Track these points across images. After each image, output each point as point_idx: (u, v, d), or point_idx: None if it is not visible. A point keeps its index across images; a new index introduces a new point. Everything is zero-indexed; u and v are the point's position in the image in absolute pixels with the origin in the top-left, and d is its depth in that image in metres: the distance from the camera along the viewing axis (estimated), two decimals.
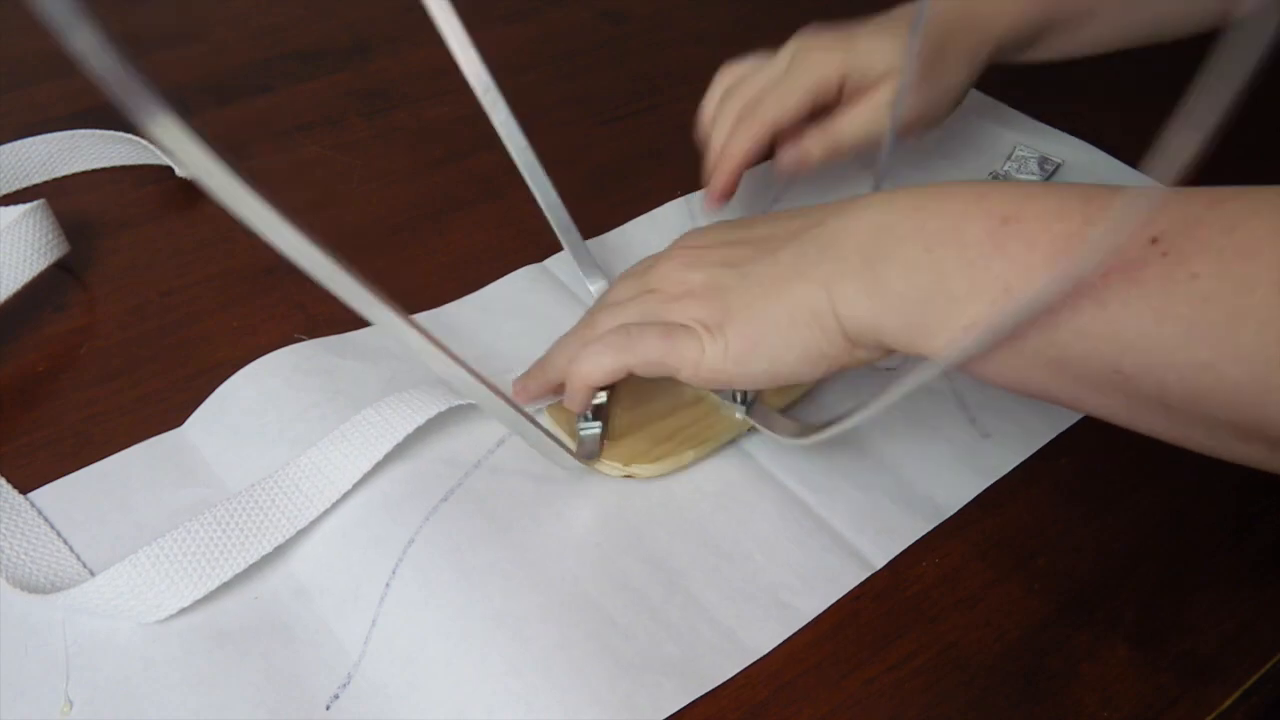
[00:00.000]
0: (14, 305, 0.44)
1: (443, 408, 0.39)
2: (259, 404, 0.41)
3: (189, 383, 0.43)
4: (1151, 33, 0.51)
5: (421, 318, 0.46)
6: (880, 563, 0.38)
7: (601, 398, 0.42)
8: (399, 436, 0.38)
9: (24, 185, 0.52)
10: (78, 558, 0.36)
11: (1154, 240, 0.27)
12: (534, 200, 0.54)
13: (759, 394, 0.42)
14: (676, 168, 0.57)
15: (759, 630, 0.36)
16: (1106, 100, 0.64)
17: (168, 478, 0.39)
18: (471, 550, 0.37)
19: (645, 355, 0.36)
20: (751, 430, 0.42)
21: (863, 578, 0.38)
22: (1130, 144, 0.58)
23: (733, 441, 0.42)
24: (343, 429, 0.38)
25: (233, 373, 0.43)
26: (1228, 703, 0.36)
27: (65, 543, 0.37)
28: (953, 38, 0.47)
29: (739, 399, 0.41)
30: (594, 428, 0.41)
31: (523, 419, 0.35)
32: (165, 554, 0.35)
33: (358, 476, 0.38)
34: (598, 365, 0.37)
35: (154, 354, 0.44)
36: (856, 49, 0.46)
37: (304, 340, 0.44)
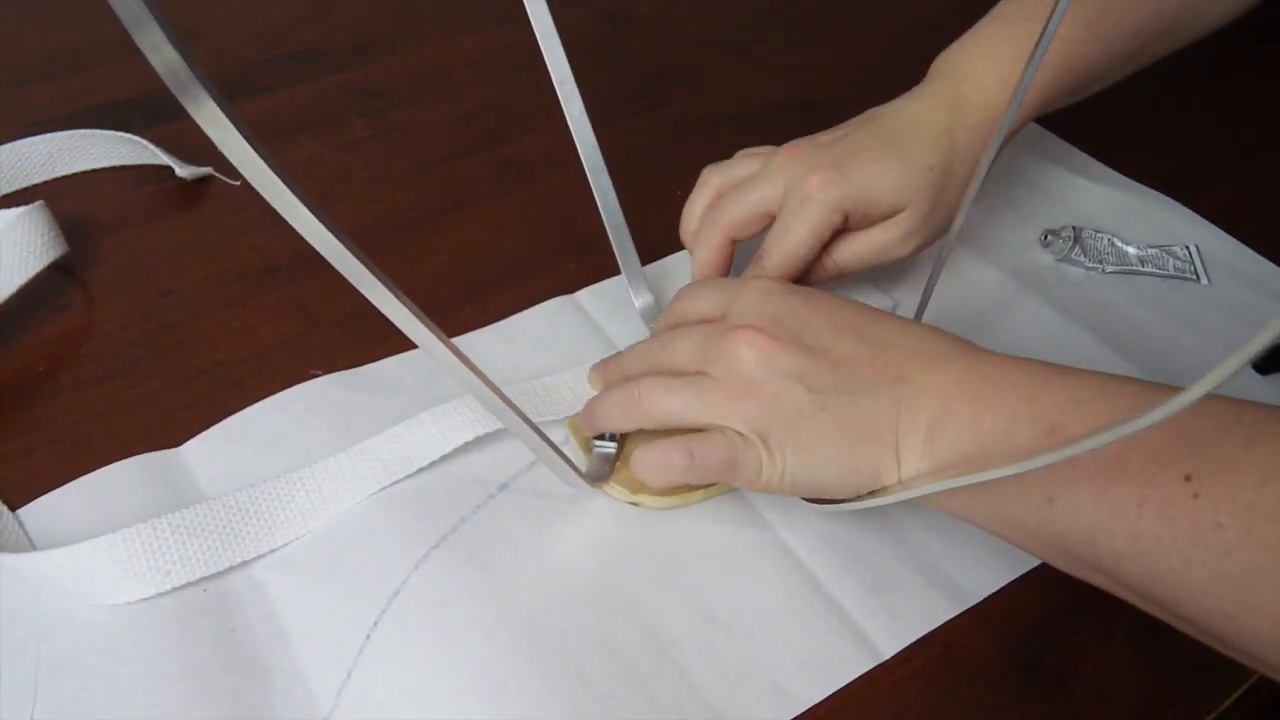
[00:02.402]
0: (13, 305, 0.44)
1: (440, 454, 0.40)
2: (266, 441, 0.41)
3: (189, 383, 0.43)
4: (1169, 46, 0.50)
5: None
6: (889, 652, 0.36)
7: None
8: (391, 479, 0.39)
9: (24, 185, 0.52)
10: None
11: (1187, 478, 0.28)
12: (534, 200, 0.54)
13: None
14: (676, 168, 0.57)
15: (747, 715, 0.34)
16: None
17: (156, 497, 0.38)
18: (457, 603, 0.36)
19: (707, 473, 0.35)
20: None
21: (868, 667, 0.35)
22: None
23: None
24: (335, 461, 0.39)
25: (233, 373, 0.43)
26: (1228, 703, 0.36)
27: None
28: (957, 155, 0.44)
29: None
30: (609, 448, 0.40)
31: (536, 435, 0.34)
32: (125, 542, 0.35)
33: (340, 508, 0.38)
34: (662, 474, 0.36)
35: (154, 354, 0.44)
36: (856, 181, 0.42)
37: (319, 376, 0.43)
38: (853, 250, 0.45)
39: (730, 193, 0.45)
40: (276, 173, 0.23)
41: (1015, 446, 0.31)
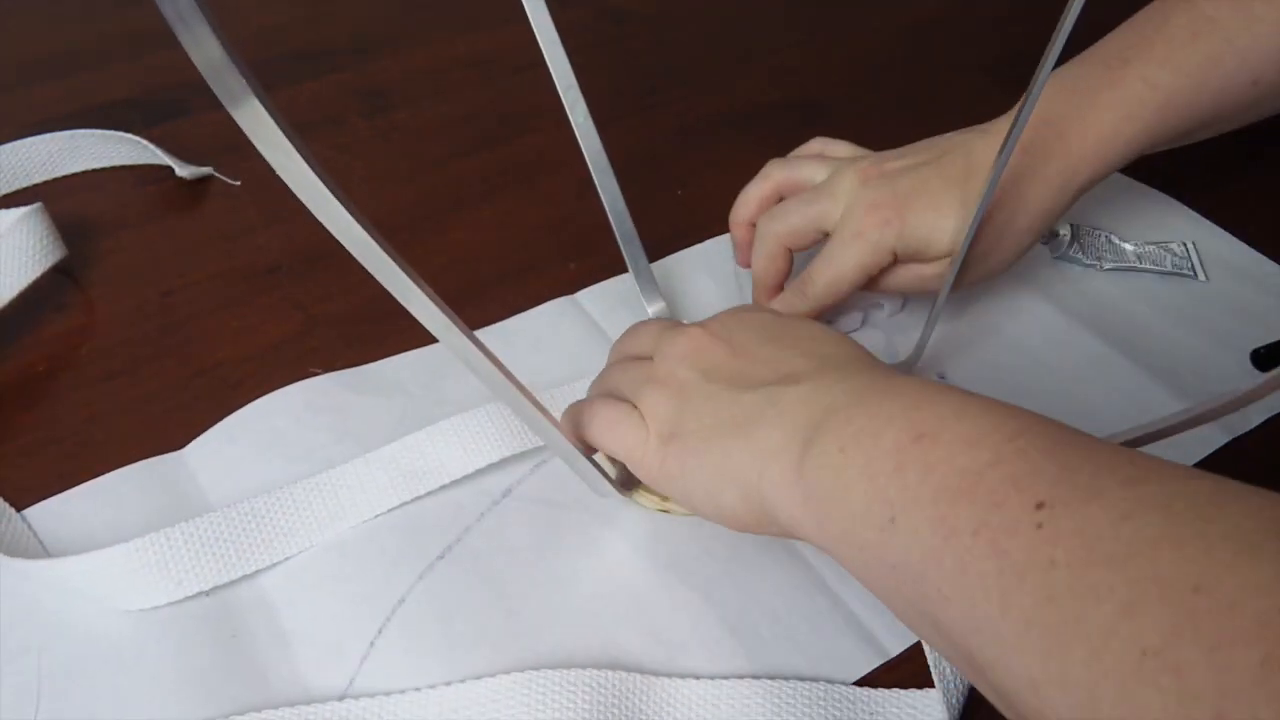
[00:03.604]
0: (14, 306, 0.44)
1: (463, 472, 0.39)
2: (266, 440, 0.41)
3: (189, 382, 0.43)
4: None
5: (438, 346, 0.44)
6: (895, 650, 0.36)
7: None
8: (413, 494, 0.39)
9: (24, 185, 0.52)
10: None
11: (1039, 505, 0.23)
12: (534, 200, 0.54)
13: None
14: (676, 168, 0.57)
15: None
16: None
17: (161, 501, 0.38)
18: (461, 615, 0.36)
19: (592, 435, 0.35)
20: None
21: (874, 665, 0.36)
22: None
23: None
24: (353, 468, 0.39)
25: (233, 372, 0.43)
26: None
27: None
28: (1023, 207, 0.42)
29: None
30: None
31: (567, 443, 0.34)
32: (139, 551, 0.35)
33: (358, 518, 0.38)
34: (568, 428, 0.36)
35: (154, 354, 0.44)
36: (913, 226, 0.42)
37: (319, 374, 0.43)
38: (897, 280, 0.44)
39: (791, 201, 0.45)
40: (318, 175, 0.23)
41: (875, 452, 0.28)
